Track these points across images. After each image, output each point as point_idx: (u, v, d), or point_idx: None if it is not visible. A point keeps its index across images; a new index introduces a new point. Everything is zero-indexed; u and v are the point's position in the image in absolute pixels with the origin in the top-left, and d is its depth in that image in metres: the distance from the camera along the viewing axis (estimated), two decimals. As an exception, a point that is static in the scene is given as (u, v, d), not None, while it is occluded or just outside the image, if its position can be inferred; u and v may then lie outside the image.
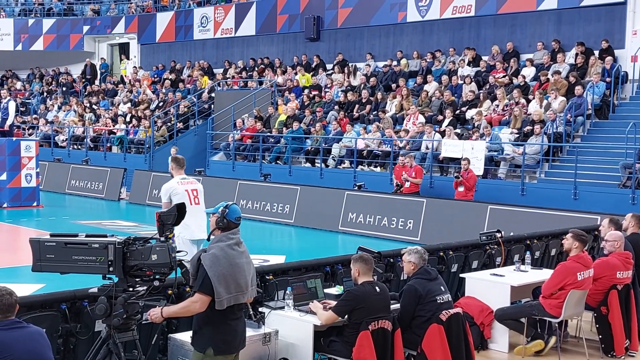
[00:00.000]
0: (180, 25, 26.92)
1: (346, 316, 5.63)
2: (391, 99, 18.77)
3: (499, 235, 8.52)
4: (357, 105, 19.07)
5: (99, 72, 30.18)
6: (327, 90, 20.77)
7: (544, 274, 7.53)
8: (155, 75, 26.93)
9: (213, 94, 23.23)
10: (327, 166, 17.73)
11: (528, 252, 8.30)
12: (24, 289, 7.13)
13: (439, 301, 5.92)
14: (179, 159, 8.08)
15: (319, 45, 22.79)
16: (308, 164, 18.37)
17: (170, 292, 5.61)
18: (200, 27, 26.16)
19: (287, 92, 21.54)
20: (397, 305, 6.02)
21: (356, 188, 15.31)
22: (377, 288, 5.69)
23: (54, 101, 28.09)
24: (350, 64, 21.43)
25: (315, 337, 5.72)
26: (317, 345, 5.76)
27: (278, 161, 18.93)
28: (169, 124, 22.50)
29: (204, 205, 7.62)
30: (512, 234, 9.56)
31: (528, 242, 8.92)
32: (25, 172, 17.38)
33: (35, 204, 17.54)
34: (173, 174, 8.00)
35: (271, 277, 6.34)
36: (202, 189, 8.02)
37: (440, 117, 17.02)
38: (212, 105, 22.87)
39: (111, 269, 4.49)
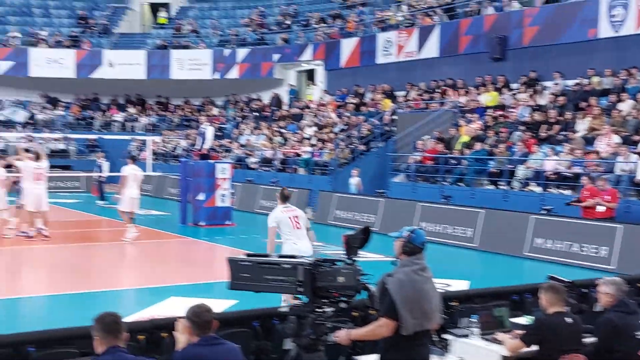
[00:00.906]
0: (364, 51, 27.45)
1: (535, 347, 5.39)
2: (581, 118, 17.83)
3: None
4: (544, 126, 18.31)
5: (285, 99, 31.58)
6: (511, 110, 20.16)
7: None
8: (340, 100, 27.65)
9: (395, 116, 23.41)
10: (512, 188, 17.17)
11: None
12: (218, 305, 7.56)
13: (639, 337, 5.50)
14: (285, 195, 9.06)
15: (503, 65, 22.21)
16: (491, 186, 17.90)
17: (356, 314, 5.68)
18: (383, 51, 26.52)
19: (470, 112, 21.18)
20: (592, 339, 5.66)
21: (544, 212, 14.66)
22: (569, 319, 5.40)
23: (246, 126, 29.74)
24: (537, 83, 20.69)
25: (502, 367, 5.52)
26: (504, 377, 5.55)
27: (460, 183, 18.62)
28: (351, 146, 22.96)
29: (304, 229, 8.79)
30: None
31: None
32: (220, 193, 18.50)
33: (228, 222, 18.61)
34: (278, 203, 9.02)
35: (456, 303, 6.23)
36: (303, 214, 9.01)
37: (636, 137, 15.88)
38: (394, 128, 23.04)
39: (300, 289, 4.61)
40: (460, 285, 10.30)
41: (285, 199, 9.01)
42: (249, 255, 4.88)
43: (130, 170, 15.39)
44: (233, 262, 4.79)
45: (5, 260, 13.50)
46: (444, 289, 7.21)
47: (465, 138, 19.60)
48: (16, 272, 12.63)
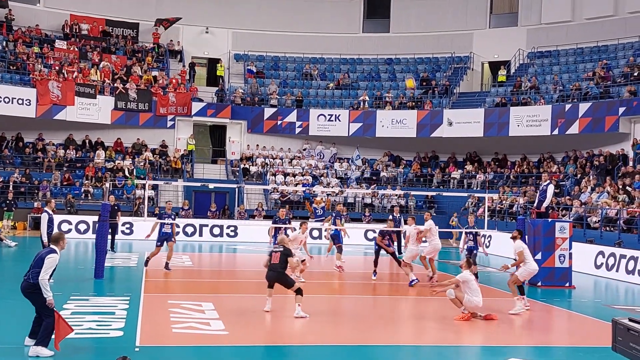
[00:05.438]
0: None
1: None
2: None
3: None
4: None
5: (630, 154, 29.40)
6: None
7: None
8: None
9: None
10: None
11: None
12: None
13: None
14: None
15: None
16: None
17: None
18: None
19: None
20: None
21: None
22: None
23: (587, 183, 28.32)
24: None
25: None
26: None
27: None
28: None
29: None
30: None
31: None
32: (559, 253, 17.84)
33: (567, 284, 17.79)
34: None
35: None
36: None
37: None
38: None
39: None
40: None
41: None
42: (631, 320, 4.63)
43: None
44: (618, 327, 4.58)
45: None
46: None
47: None
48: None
